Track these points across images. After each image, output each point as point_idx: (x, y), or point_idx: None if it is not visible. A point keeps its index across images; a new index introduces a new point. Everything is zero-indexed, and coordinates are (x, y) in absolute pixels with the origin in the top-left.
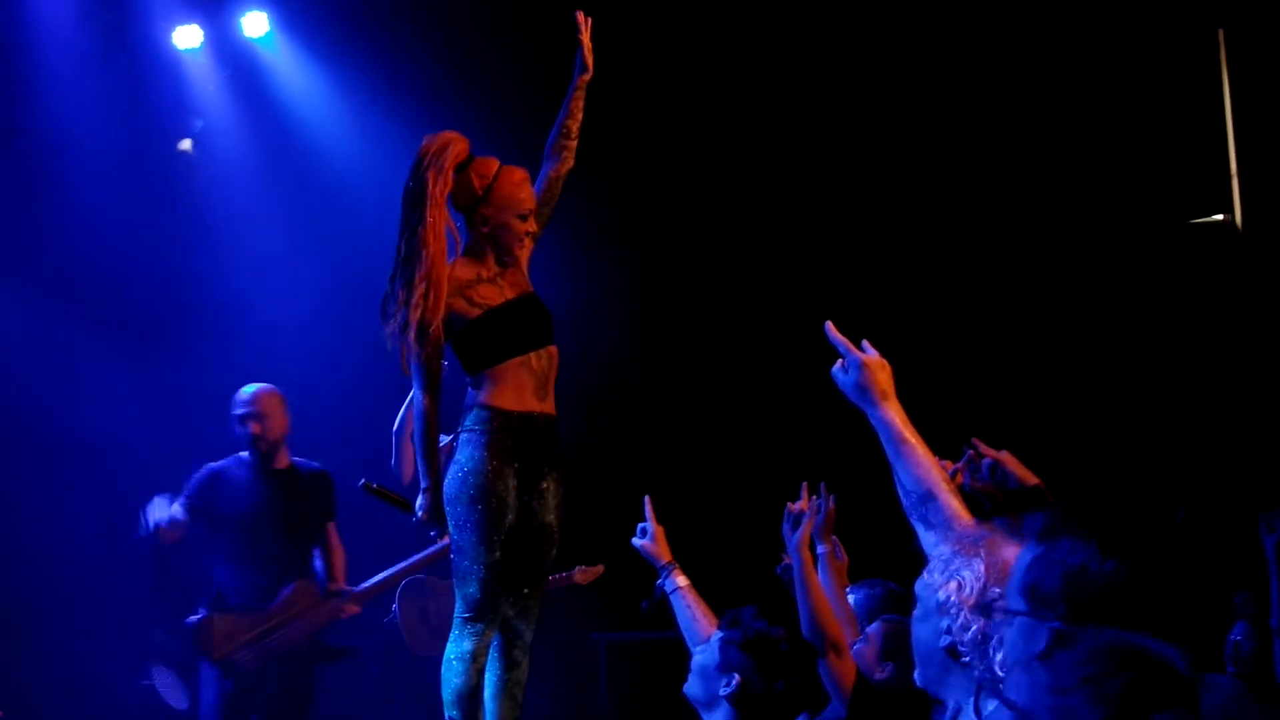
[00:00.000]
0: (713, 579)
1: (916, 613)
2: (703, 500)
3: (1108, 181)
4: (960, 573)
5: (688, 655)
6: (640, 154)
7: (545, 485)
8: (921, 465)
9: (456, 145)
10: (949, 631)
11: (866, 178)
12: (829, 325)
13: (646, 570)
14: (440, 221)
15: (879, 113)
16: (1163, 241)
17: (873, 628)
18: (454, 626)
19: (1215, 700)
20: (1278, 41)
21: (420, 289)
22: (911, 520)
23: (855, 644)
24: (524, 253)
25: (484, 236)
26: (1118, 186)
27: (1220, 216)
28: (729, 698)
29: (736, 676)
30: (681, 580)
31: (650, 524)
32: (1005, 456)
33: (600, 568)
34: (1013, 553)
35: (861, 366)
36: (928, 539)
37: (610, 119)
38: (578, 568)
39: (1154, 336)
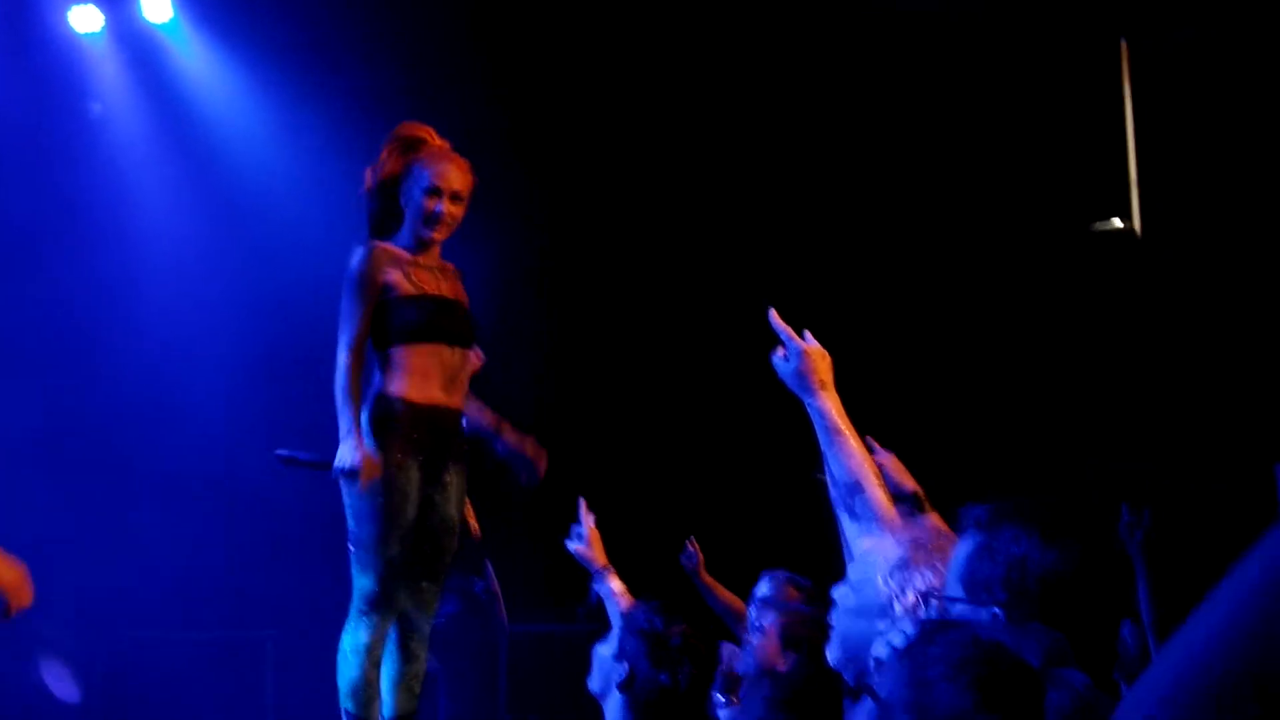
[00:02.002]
0: (637, 573)
1: (850, 604)
2: (626, 493)
3: (1010, 187)
4: (914, 584)
5: (586, 649)
6: (567, 140)
7: (448, 478)
8: (853, 456)
9: (402, 130)
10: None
11: (787, 173)
12: (772, 312)
13: (555, 562)
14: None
15: (799, 103)
16: (1064, 247)
17: (769, 620)
18: (350, 618)
19: (1061, 699)
20: (1178, 51)
21: None
22: (837, 510)
23: (753, 637)
24: (441, 237)
25: (402, 212)
26: (1020, 192)
27: (1119, 223)
28: (619, 685)
29: (627, 664)
30: (616, 585)
31: (584, 526)
32: (888, 459)
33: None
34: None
35: (802, 355)
36: (852, 530)
37: (532, 92)
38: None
39: (1055, 340)
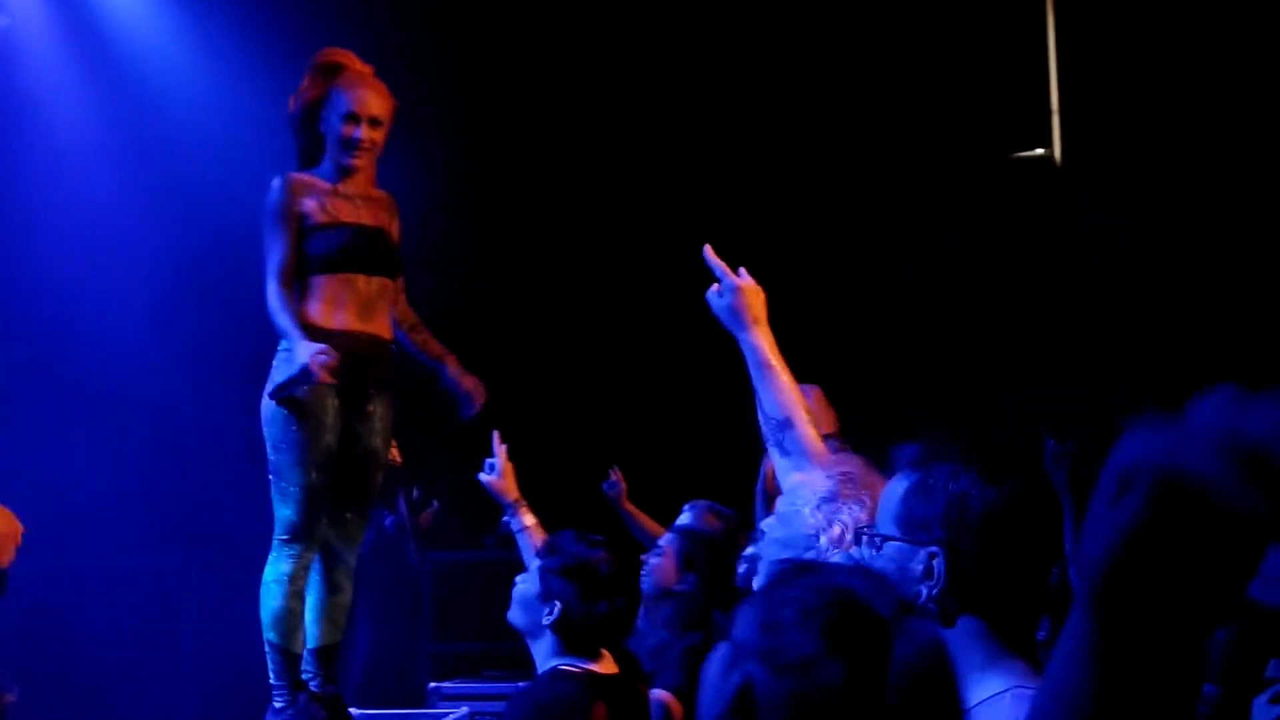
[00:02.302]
0: (547, 502)
1: (777, 535)
2: (549, 423)
3: (934, 117)
4: (840, 518)
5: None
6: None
7: (371, 408)
8: (784, 392)
9: (323, 56)
10: None
11: (718, 106)
12: (707, 249)
13: (471, 496)
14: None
15: (728, 33)
16: (986, 175)
17: (666, 539)
18: (272, 549)
19: (904, 649)
20: None
21: None
22: (768, 445)
23: (650, 556)
24: (362, 163)
25: (324, 140)
26: (943, 121)
27: (1041, 151)
28: (552, 625)
29: (558, 604)
30: (528, 519)
31: (499, 459)
32: (813, 393)
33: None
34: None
35: (736, 290)
36: (782, 465)
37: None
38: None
39: (976, 268)
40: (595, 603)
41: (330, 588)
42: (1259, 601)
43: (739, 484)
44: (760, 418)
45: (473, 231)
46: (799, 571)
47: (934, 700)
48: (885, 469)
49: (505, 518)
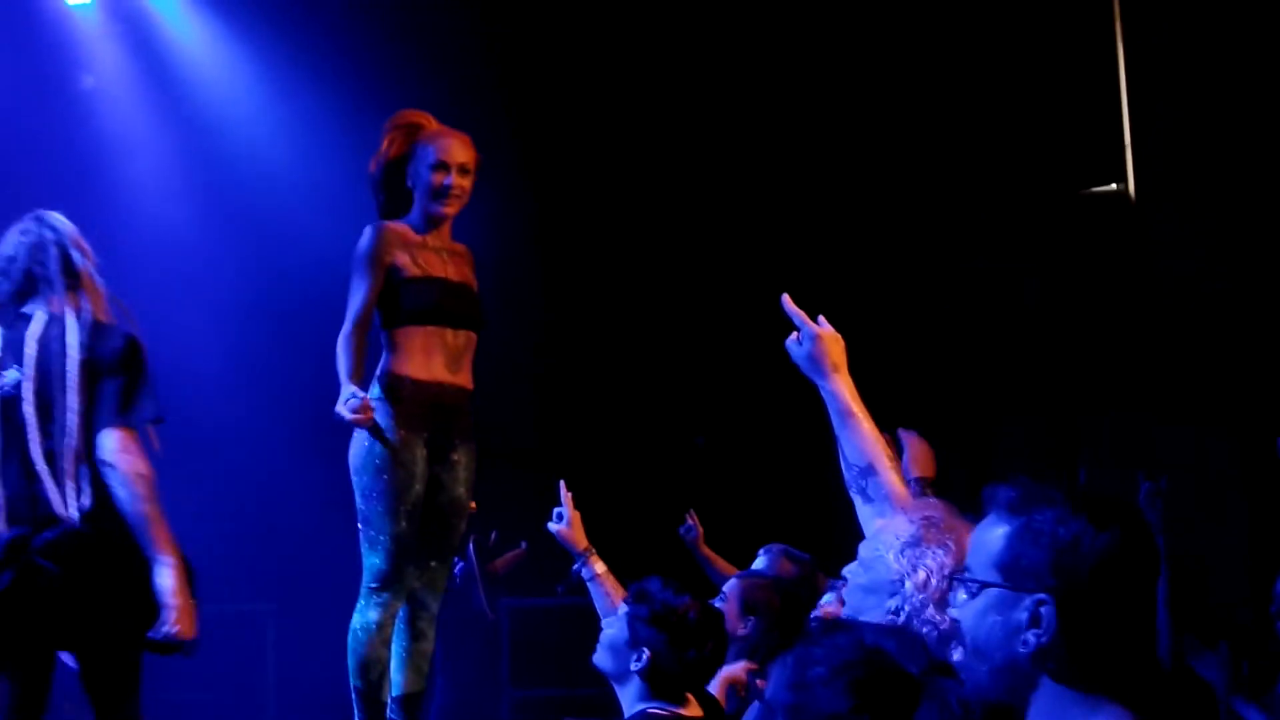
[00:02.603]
0: (621, 552)
1: (861, 580)
2: (612, 474)
3: (1005, 150)
4: (925, 562)
5: (595, 624)
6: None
7: (456, 457)
8: (866, 439)
9: (401, 118)
10: (896, 613)
11: (782, 151)
12: (786, 298)
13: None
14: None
15: (793, 73)
16: (1058, 210)
17: (730, 585)
18: (360, 596)
19: (930, 711)
20: (1172, 10)
21: None
22: (851, 493)
23: (715, 602)
24: (452, 211)
25: (410, 194)
26: (1015, 155)
27: (1115, 186)
28: (640, 673)
29: (646, 651)
30: (599, 567)
31: (566, 509)
32: (913, 440)
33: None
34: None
35: (816, 338)
36: (865, 512)
37: (526, 70)
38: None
39: (1052, 304)
40: (684, 650)
41: (415, 635)
42: None
43: (817, 527)
44: (843, 464)
45: (541, 279)
46: (828, 630)
47: None
48: (971, 511)
49: (575, 566)
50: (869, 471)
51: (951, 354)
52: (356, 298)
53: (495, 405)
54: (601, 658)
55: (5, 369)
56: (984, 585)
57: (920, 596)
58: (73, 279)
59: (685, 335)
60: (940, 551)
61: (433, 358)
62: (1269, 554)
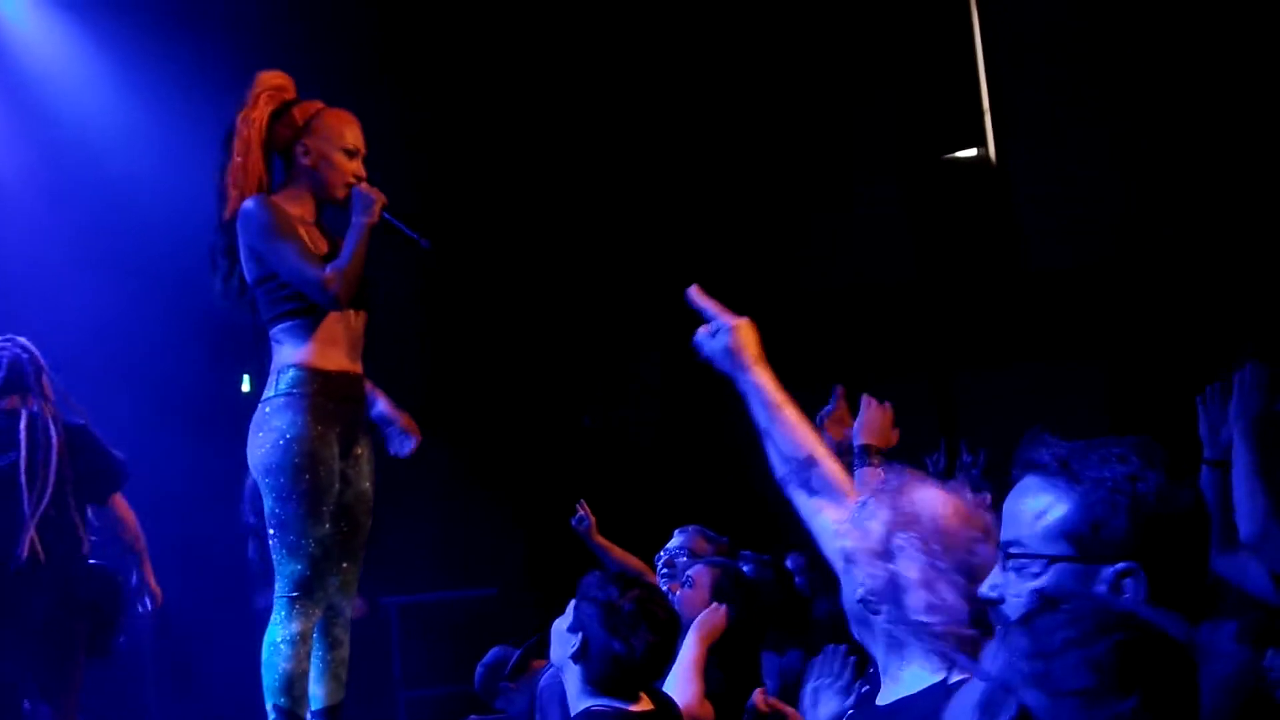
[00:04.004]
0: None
1: (840, 569)
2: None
3: (866, 118)
4: (865, 522)
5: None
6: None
7: (359, 451)
8: (798, 429)
9: (270, 80)
10: (861, 583)
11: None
12: (694, 289)
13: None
14: (251, 159)
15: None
16: (919, 176)
17: (697, 570)
18: (278, 608)
19: (1219, 669)
20: None
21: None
22: (789, 489)
23: (681, 589)
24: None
25: (303, 171)
26: (875, 123)
27: (974, 151)
28: (572, 655)
29: (581, 635)
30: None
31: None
32: (874, 407)
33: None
34: (927, 495)
35: (733, 330)
36: (809, 505)
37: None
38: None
39: (913, 269)
40: (613, 638)
41: (332, 643)
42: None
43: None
44: (776, 460)
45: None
46: (1065, 596)
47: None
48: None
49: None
50: (810, 463)
51: (826, 320)
52: (293, 252)
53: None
54: (553, 649)
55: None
56: (1053, 560)
57: (862, 551)
58: (40, 385)
59: (568, 313)
60: (881, 507)
61: (338, 346)
62: None
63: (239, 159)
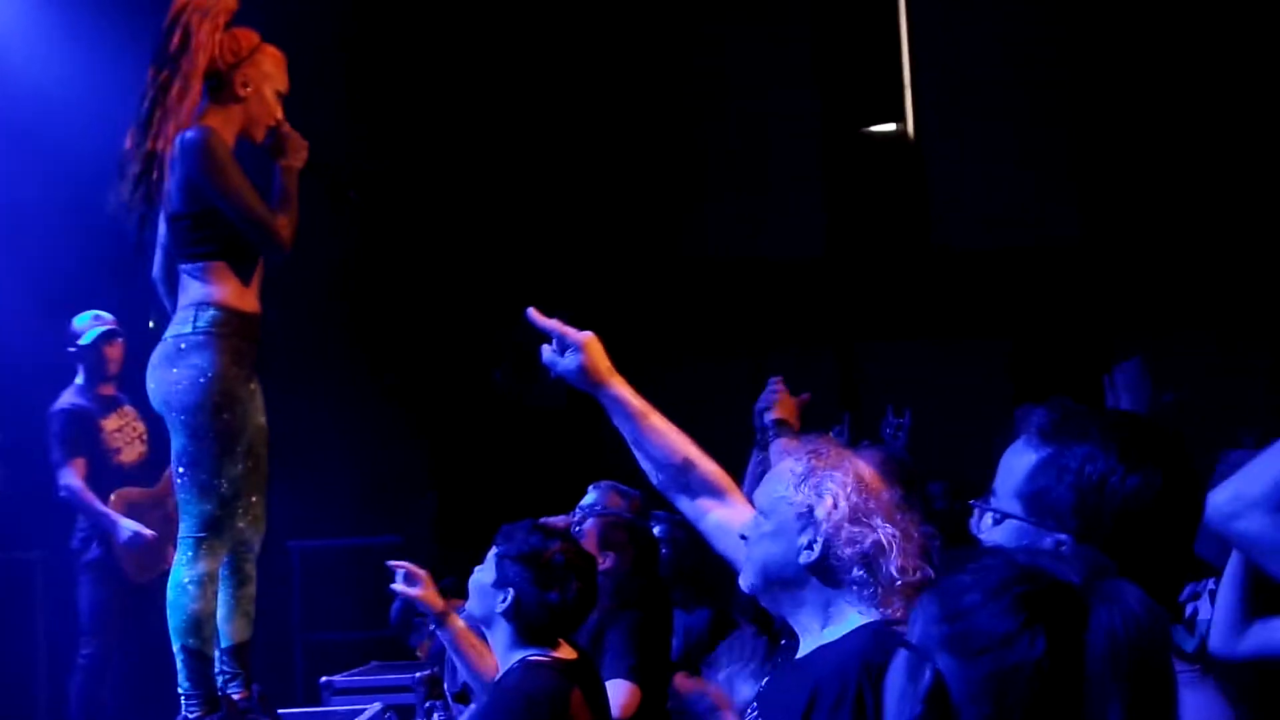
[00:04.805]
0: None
1: (767, 528)
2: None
3: (788, 92)
4: (827, 486)
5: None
6: None
7: (254, 386)
8: (667, 434)
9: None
10: (810, 547)
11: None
12: (532, 312)
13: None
14: (194, 84)
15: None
16: (837, 152)
17: (588, 523)
18: (184, 548)
19: (1110, 616)
20: None
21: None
22: (669, 494)
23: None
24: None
25: (234, 100)
26: (797, 93)
27: (894, 126)
28: (505, 614)
29: (511, 591)
30: (457, 624)
31: (416, 571)
32: (779, 387)
33: None
34: (870, 463)
35: (583, 347)
36: (694, 509)
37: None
38: None
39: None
40: (548, 590)
41: (241, 580)
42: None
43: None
44: (650, 469)
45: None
46: (969, 557)
47: (1150, 666)
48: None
49: (432, 626)
50: (686, 466)
51: (737, 290)
52: (245, 194)
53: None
54: (471, 603)
55: None
56: (1005, 516)
57: (834, 518)
58: None
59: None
60: (837, 473)
61: (251, 287)
62: None
63: (182, 84)
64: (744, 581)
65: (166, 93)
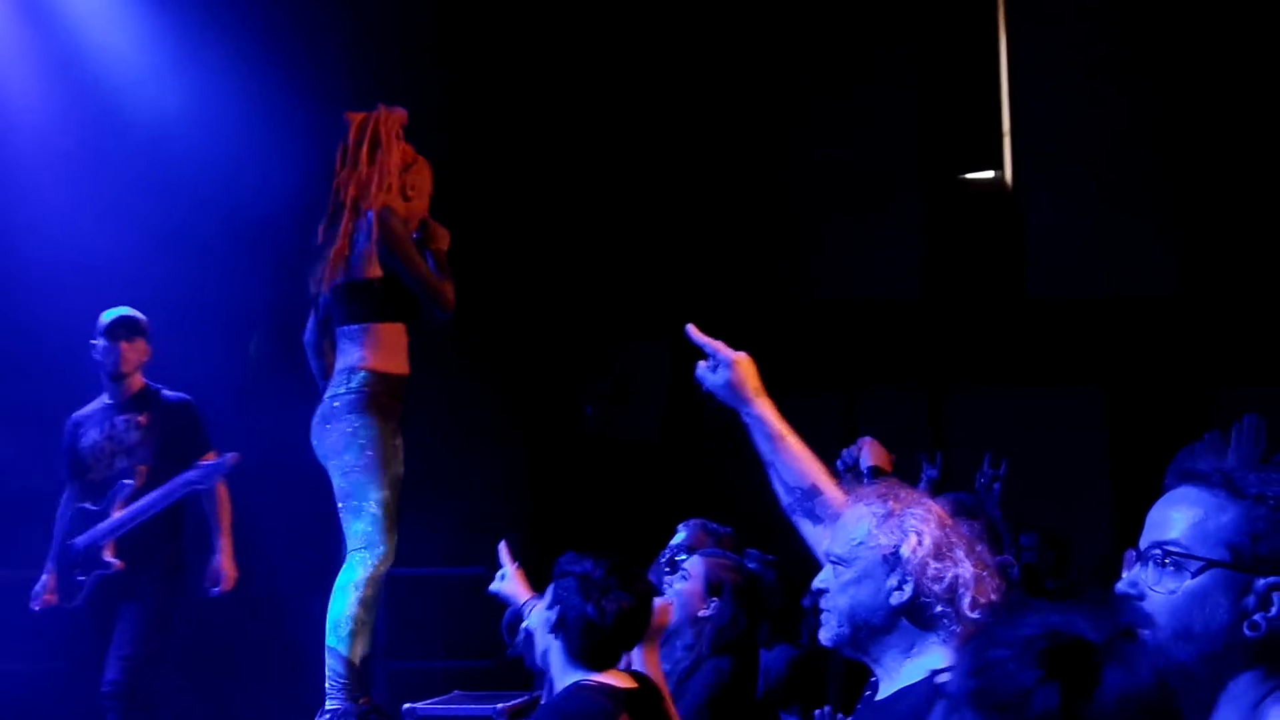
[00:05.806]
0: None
1: (847, 576)
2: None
3: (884, 139)
4: (909, 524)
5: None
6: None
7: (398, 441)
8: (801, 459)
9: (401, 118)
10: (900, 587)
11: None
12: (691, 327)
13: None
14: (392, 169)
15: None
16: (936, 197)
17: (692, 562)
18: (349, 559)
19: (1119, 678)
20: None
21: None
22: (794, 517)
23: (676, 584)
24: None
25: (405, 200)
26: (893, 144)
27: (992, 174)
28: (553, 630)
29: (559, 607)
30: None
31: (509, 568)
32: (868, 441)
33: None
34: (931, 504)
35: (733, 365)
36: (815, 533)
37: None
38: None
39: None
40: (586, 602)
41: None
42: None
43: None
44: (780, 490)
45: None
46: (1003, 617)
47: None
48: None
49: (518, 608)
50: (813, 493)
51: (834, 331)
52: (424, 265)
53: None
54: (536, 635)
55: None
56: (1211, 564)
57: (920, 554)
58: None
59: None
60: (918, 509)
61: (404, 351)
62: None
63: (380, 178)
64: (826, 634)
65: (362, 186)
